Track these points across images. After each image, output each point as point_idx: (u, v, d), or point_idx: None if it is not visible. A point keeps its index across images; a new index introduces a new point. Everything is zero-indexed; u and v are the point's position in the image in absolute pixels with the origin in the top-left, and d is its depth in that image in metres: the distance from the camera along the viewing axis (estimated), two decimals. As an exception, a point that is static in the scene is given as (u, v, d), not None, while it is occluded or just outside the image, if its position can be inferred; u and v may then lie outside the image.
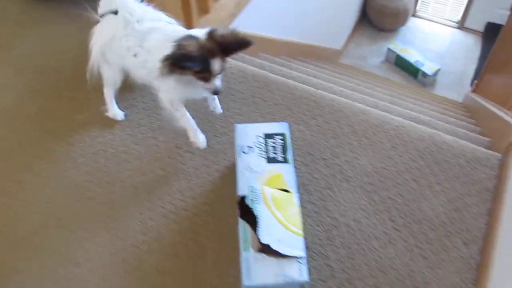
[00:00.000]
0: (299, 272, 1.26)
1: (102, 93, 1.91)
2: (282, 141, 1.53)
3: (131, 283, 1.53)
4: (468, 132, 2.23)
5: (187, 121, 1.73)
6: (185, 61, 1.42)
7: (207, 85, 1.54)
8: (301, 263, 1.28)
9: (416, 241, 1.60)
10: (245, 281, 1.25)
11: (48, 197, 1.72)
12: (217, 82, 1.54)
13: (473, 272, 1.55)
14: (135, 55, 1.62)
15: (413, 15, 5.28)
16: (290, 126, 1.58)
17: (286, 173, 1.46)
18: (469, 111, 3.62)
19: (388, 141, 1.84)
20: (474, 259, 1.57)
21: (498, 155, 1.83)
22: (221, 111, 1.86)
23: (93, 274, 1.55)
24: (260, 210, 1.35)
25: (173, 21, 1.70)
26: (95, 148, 1.84)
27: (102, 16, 1.69)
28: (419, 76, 4.56)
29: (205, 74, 1.49)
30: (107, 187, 1.73)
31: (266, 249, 1.28)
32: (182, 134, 1.85)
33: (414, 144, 1.83)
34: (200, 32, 1.48)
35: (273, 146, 1.52)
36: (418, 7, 5.23)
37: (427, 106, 3.06)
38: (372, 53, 4.93)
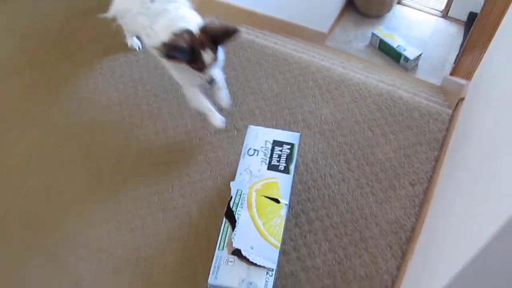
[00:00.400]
0: (265, 283, 1.28)
1: (85, 50, 2.09)
2: (289, 151, 1.56)
3: (107, 199, 1.69)
4: (429, 97, 2.38)
5: (201, 103, 1.79)
6: (175, 52, 1.52)
7: (203, 75, 1.62)
8: (269, 275, 1.30)
9: (367, 180, 1.76)
10: (211, 279, 1.29)
11: (33, 139, 1.88)
12: (212, 72, 1.62)
13: (417, 208, 1.71)
14: (148, 35, 1.69)
15: (398, 3, 5.43)
16: (300, 137, 1.61)
17: (283, 182, 1.48)
18: (443, 92, 3.78)
19: (349, 95, 2.00)
20: (418, 198, 1.74)
21: (450, 111, 1.99)
22: (228, 102, 1.87)
23: (74, 199, 1.71)
24: (241, 215, 1.39)
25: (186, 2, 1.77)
26: (79, 95, 1.99)
27: None
28: (401, 60, 4.72)
29: (198, 64, 1.57)
30: (88, 128, 1.89)
31: (237, 253, 1.31)
32: (160, 84, 2.01)
33: (373, 99, 1.99)
34: (195, 25, 1.57)
35: (279, 154, 1.54)
36: (403, -5, 5.39)
37: (399, 81, 3.22)
38: (357, 38, 5.08)
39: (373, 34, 4.95)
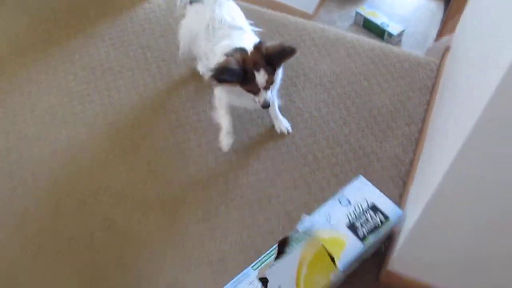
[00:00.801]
0: None
1: (94, 23, 2.21)
2: (380, 223, 1.43)
3: (128, 153, 1.82)
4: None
5: (224, 121, 1.73)
6: (224, 74, 1.42)
7: (256, 98, 1.54)
8: None
9: (366, 123, 1.92)
10: (228, 286, 1.30)
11: (51, 103, 2.00)
12: (266, 95, 1.53)
13: (413, 145, 1.87)
14: (207, 59, 1.66)
15: (380, -17, 5.60)
16: (400, 216, 1.46)
17: (351, 247, 1.37)
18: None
19: (344, 51, 2.16)
20: (414, 136, 1.90)
21: (437, 61, 2.16)
22: (287, 131, 1.85)
23: (97, 153, 1.84)
24: (293, 253, 1.34)
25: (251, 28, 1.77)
26: (93, 63, 2.12)
27: (191, 2, 1.76)
28: (385, 36, 4.87)
29: (251, 86, 1.48)
30: (104, 92, 2.02)
31: (264, 282, 1.30)
32: (167, 50, 2.14)
33: (366, 53, 2.15)
34: (250, 44, 1.50)
35: (367, 219, 1.43)
36: (384, -24, 5.56)
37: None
38: (341, 18, 5.24)
39: (357, 13, 5.12)
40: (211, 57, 1.61)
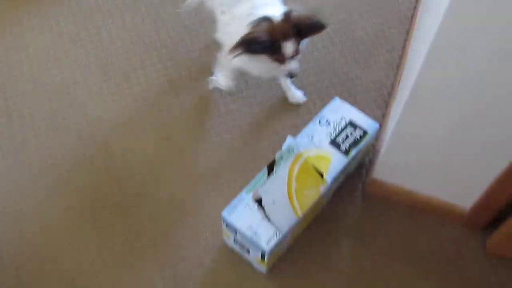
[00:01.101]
0: (267, 240, 1.31)
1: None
2: (359, 137, 1.53)
3: (120, 87, 1.89)
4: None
5: (227, 68, 1.72)
6: (253, 45, 1.41)
7: (282, 67, 1.52)
8: (276, 236, 1.32)
9: (349, 51, 2.00)
10: (225, 212, 1.35)
11: (44, 43, 2.04)
12: (292, 64, 1.51)
13: (394, 70, 1.96)
14: (222, 12, 1.60)
15: None
16: (377, 129, 1.60)
17: (336, 161, 1.46)
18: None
19: (325, -12, 2.22)
20: (395, 62, 1.98)
21: (417, -8, 2.23)
22: (302, 100, 1.84)
23: (90, 91, 1.90)
24: (281, 170, 1.40)
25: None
26: (81, 5, 2.15)
27: None
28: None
29: (278, 56, 1.46)
30: (93, 31, 2.07)
31: (259, 202, 1.36)
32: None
33: (347, -10, 2.22)
34: (278, 12, 1.46)
35: (347, 135, 1.52)
36: None
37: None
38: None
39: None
40: (227, 16, 1.58)
